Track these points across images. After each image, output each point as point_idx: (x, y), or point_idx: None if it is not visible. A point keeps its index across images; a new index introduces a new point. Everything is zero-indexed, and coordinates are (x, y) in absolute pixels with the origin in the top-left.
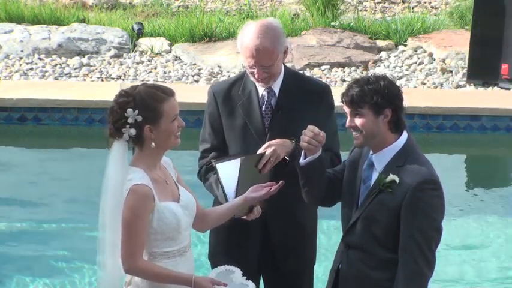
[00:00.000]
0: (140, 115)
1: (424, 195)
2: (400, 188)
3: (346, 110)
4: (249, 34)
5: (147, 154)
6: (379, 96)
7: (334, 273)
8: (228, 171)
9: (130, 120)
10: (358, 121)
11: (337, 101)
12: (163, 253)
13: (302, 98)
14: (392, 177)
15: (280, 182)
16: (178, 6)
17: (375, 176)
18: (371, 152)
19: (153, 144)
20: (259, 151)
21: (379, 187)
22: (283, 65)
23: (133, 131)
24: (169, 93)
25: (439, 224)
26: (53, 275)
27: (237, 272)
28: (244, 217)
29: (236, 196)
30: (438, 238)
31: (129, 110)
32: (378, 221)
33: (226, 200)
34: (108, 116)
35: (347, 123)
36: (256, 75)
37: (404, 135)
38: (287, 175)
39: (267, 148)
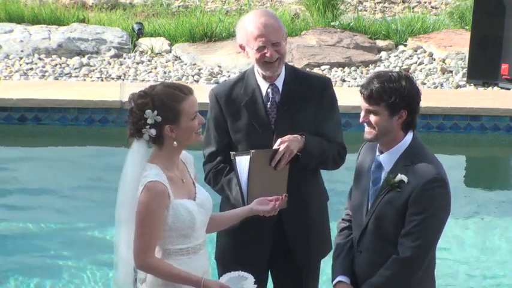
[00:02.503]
0: (159, 115)
1: (430, 193)
2: (407, 186)
3: (363, 104)
4: (251, 19)
5: (166, 153)
6: (398, 96)
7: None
8: (245, 165)
9: (149, 121)
10: (372, 118)
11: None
12: (177, 250)
13: (305, 92)
14: (400, 176)
15: (284, 195)
16: (178, 6)
17: (383, 176)
18: (377, 154)
19: (175, 143)
20: (274, 147)
21: (388, 187)
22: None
23: (153, 131)
24: (187, 91)
25: (441, 223)
26: (53, 275)
27: (250, 279)
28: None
29: (248, 191)
30: (438, 236)
31: (148, 111)
32: (387, 219)
33: (242, 194)
34: (128, 117)
35: (361, 118)
36: (268, 55)
37: (410, 133)
38: (299, 170)
39: (280, 144)
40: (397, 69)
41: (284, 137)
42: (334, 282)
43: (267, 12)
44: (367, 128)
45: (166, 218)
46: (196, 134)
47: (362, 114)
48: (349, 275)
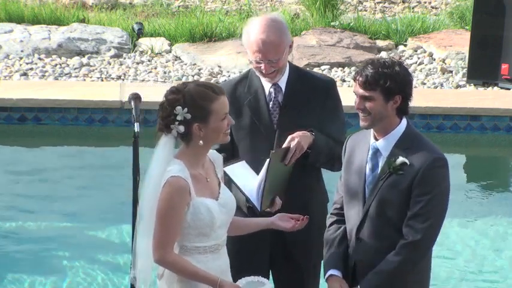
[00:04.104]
0: (189, 113)
1: (435, 173)
2: (410, 168)
3: (358, 90)
4: (254, 29)
5: (192, 150)
6: (393, 81)
7: (350, 270)
8: (238, 173)
9: (179, 118)
10: (367, 104)
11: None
12: (194, 248)
13: (308, 93)
14: (402, 159)
15: (306, 216)
16: (178, 6)
17: (381, 161)
18: (372, 141)
19: (201, 142)
20: (284, 145)
21: (389, 171)
22: (288, 61)
23: (181, 128)
24: (219, 92)
25: (447, 202)
26: (53, 275)
27: (267, 285)
28: (268, 209)
29: (263, 191)
30: (445, 215)
31: (178, 108)
32: (391, 202)
33: (248, 201)
34: (158, 111)
35: (356, 105)
36: (263, 70)
37: (404, 119)
38: (301, 167)
39: (291, 141)
40: None
41: (294, 134)
42: (326, 276)
43: (271, 25)
44: (362, 115)
45: (186, 215)
46: (224, 135)
47: (357, 101)
48: (341, 268)
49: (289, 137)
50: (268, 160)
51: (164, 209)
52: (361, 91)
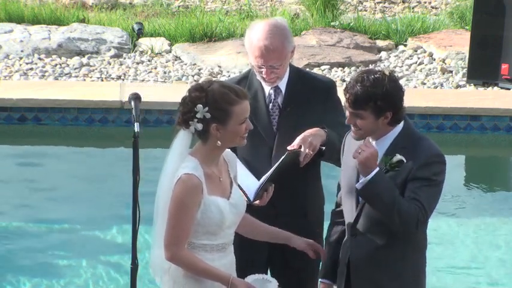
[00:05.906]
0: (209, 113)
1: (431, 166)
2: (407, 165)
3: (348, 107)
4: (257, 34)
5: (208, 149)
6: (382, 101)
7: (344, 266)
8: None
9: (199, 116)
10: (358, 121)
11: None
12: (201, 245)
13: (308, 95)
14: (399, 157)
15: (324, 253)
16: (178, 6)
17: (378, 159)
18: (370, 139)
19: (219, 142)
20: (289, 147)
21: (386, 168)
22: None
23: (199, 126)
24: (242, 96)
25: (439, 195)
26: (53, 275)
27: (274, 282)
28: (257, 202)
29: (263, 183)
30: (436, 204)
31: (199, 106)
32: None
33: (249, 200)
34: (179, 106)
35: (347, 120)
36: (264, 75)
37: (400, 124)
38: (301, 171)
39: (301, 143)
40: (397, 69)
41: (305, 133)
42: (319, 281)
43: (275, 31)
44: (353, 128)
45: (197, 213)
46: (241, 138)
47: (347, 115)
48: (332, 277)
49: (300, 138)
50: (282, 157)
51: (177, 206)
52: (350, 109)
